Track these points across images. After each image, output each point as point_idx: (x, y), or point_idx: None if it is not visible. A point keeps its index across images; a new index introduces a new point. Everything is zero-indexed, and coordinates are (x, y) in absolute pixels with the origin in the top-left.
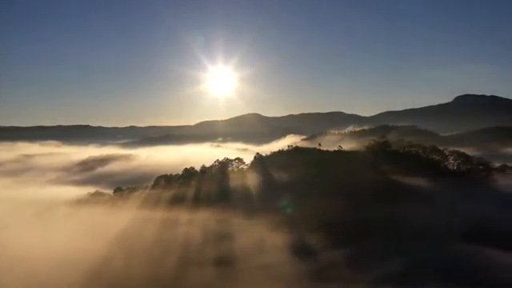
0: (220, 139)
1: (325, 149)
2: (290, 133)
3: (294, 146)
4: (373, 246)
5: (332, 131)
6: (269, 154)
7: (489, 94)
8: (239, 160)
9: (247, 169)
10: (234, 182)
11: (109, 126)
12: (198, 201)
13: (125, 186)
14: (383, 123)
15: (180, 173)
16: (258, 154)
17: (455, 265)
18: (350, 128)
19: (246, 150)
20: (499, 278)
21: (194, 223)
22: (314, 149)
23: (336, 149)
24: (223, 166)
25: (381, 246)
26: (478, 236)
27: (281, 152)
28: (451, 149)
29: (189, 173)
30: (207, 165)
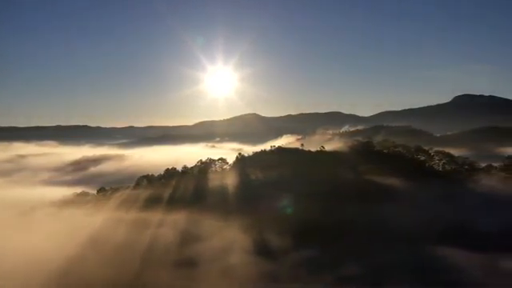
0: (217, 139)
1: (307, 149)
2: (287, 133)
3: (276, 146)
4: (343, 246)
5: (327, 131)
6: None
7: (487, 94)
8: (222, 160)
9: (229, 169)
10: (213, 182)
11: (107, 126)
12: (175, 202)
13: (115, 185)
14: (381, 123)
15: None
16: (239, 154)
17: (424, 265)
18: (346, 128)
19: (240, 150)
20: (463, 278)
21: (166, 224)
22: (297, 149)
23: (318, 149)
24: (205, 166)
25: (351, 246)
26: (453, 237)
27: (263, 152)
28: (436, 149)
29: (170, 173)
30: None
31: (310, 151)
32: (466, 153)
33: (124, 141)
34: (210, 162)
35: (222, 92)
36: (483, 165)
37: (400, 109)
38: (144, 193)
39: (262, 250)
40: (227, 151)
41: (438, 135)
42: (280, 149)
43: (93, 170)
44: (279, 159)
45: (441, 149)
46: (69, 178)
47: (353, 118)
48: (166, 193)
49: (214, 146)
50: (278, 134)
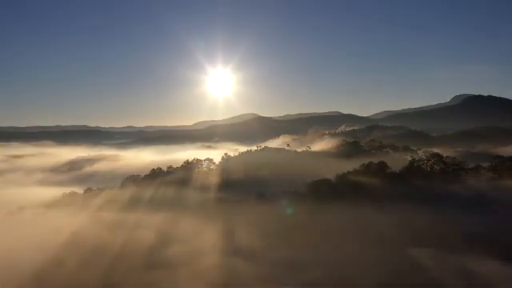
0: (216, 139)
1: (293, 149)
2: (286, 133)
3: (263, 146)
4: (316, 247)
5: (320, 131)
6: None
7: (486, 94)
8: (209, 160)
9: (214, 170)
10: (196, 183)
11: (106, 126)
12: (156, 202)
13: (108, 185)
14: (379, 123)
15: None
16: (225, 154)
17: (394, 267)
18: (342, 128)
19: (236, 149)
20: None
21: (144, 225)
22: (282, 149)
23: (304, 149)
24: (191, 166)
25: (323, 248)
26: (427, 238)
27: (249, 152)
28: (424, 149)
29: (155, 173)
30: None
31: (295, 151)
32: (463, 153)
33: (122, 141)
34: (197, 162)
35: (222, 93)
36: (472, 165)
37: (399, 109)
38: (127, 193)
39: (237, 252)
40: (223, 151)
41: (435, 135)
42: (266, 149)
43: (88, 170)
44: (264, 159)
45: (436, 149)
46: (63, 178)
47: (352, 118)
48: (148, 193)
49: (210, 147)
50: (277, 135)
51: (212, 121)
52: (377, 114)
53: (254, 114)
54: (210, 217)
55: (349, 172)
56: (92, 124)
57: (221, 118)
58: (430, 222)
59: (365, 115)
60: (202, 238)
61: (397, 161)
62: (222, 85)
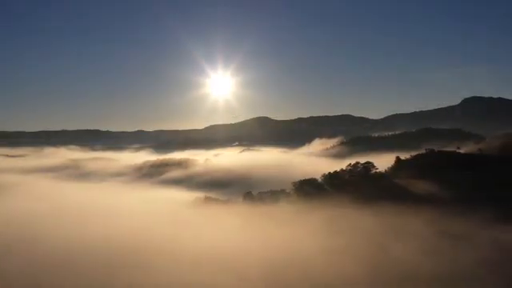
0: (229, 143)
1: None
2: (298, 135)
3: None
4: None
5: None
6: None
7: (496, 96)
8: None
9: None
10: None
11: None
12: None
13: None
14: (391, 125)
15: None
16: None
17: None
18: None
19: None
20: None
21: None
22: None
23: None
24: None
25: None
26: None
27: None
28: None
29: None
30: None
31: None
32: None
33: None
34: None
35: (233, 96)
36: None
37: (410, 111)
38: None
39: None
40: (224, 152)
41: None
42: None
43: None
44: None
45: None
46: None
47: (363, 121)
48: None
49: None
50: (278, 136)
51: (224, 124)
52: (388, 116)
53: (266, 117)
54: None
55: (335, 172)
56: (103, 128)
57: (232, 122)
58: (412, 220)
59: (376, 118)
60: None
61: (387, 161)
62: (233, 87)
